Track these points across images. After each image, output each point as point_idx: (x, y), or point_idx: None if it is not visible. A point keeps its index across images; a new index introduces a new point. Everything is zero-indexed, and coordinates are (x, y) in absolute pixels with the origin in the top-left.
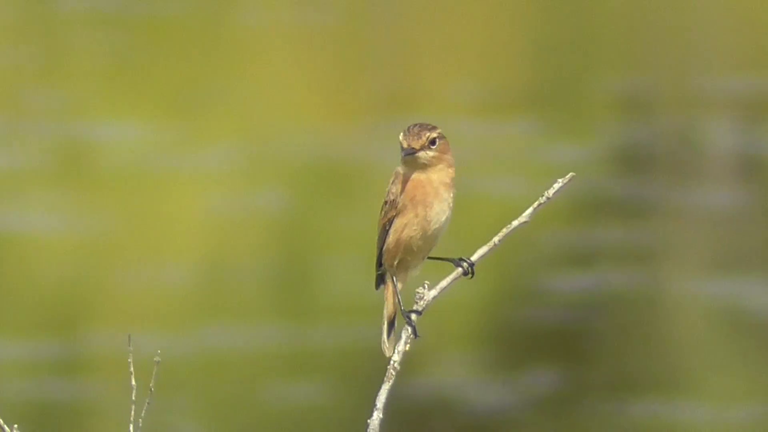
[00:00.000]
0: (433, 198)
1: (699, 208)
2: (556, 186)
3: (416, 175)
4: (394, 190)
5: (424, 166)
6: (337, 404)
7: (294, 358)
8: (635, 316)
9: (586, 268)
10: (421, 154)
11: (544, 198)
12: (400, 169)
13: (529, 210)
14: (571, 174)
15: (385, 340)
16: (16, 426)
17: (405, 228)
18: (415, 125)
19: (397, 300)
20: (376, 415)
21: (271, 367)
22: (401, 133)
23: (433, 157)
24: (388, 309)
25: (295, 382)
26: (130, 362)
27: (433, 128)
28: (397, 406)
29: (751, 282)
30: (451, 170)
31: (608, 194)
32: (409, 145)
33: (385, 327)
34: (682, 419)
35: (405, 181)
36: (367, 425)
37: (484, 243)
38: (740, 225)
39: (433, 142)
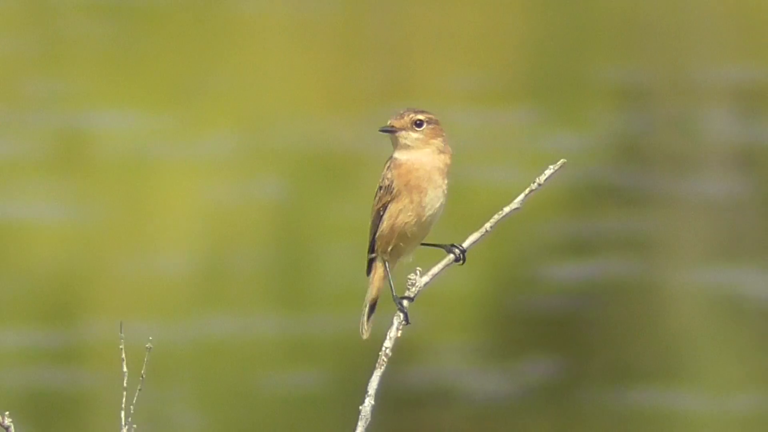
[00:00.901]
0: (427, 183)
1: (697, 197)
2: (548, 172)
3: (408, 160)
4: (389, 176)
5: (407, 148)
6: (333, 392)
7: (290, 347)
8: (633, 304)
9: (585, 257)
10: (402, 134)
11: (535, 184)
12: (395, 155)
13: (521, 197)
14: (562, 160)
15: (365, 323)
16: (7, 413)
17: (400, 214)
18: (407, 108)
19: (389, 286)
20: (368, 402)
21: (267, 355)
22: None
23: (417, 139)
24: (371, 293)
25: (291, 371)
26: (121, 349)
27: (422, 112)
28: (395, 395)
29: (749, 270)
30: (444, 156)
31: (606, 183)
32: (390, 124)
33: (366, 309)
34: (680, 407)
35: (398, 166)
36: (359, 412)
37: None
38: (738, 214)
39: (418, 124)
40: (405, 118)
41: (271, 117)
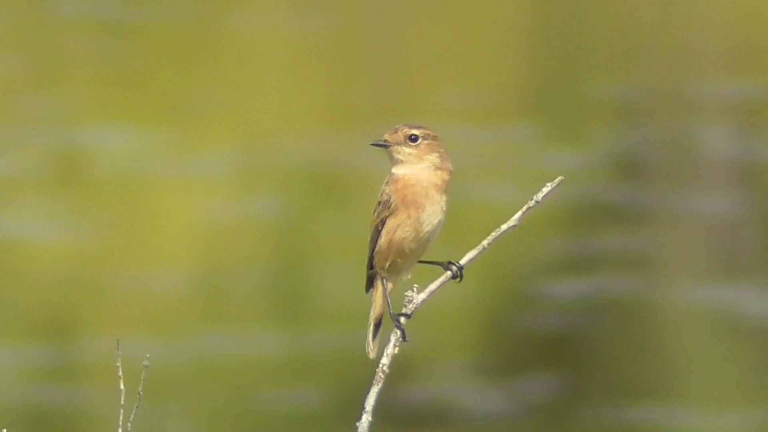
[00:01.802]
0: (424, 199)
1: (695, 214)
2: (545, 190)
3: (405, 175)
4: (387, 191)
5: (402, 163)
6: (331, 410)
7: (288, 364)
8: (632, 322)
9: (583, 274)
10: (395, 148)
11: (533, 202)
12: (392, 170)
13: (518, 214)
14: (559, 178)
15: (370, 342)
16: (5, 430)
17: (397, 229)
18: (404, 123)
19: (386, 303)
20: (365, 418)
21: (265, 373)
22: None
23: (410, 154)
24: (375, 311)
25: (289, 388)
26: (118, 366)
27: (419, 127)
28: (393, 413)
29: (747, 288)
30: (442, 173)
31: (604, 200)
32: (384, 138)
33: (371, 329)
34: (678, 425)
35: (396, 181)
36: (356, 428)
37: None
38: (736, 231)
39: (413, 139)
40: (399, 132)
41: (269, 134)
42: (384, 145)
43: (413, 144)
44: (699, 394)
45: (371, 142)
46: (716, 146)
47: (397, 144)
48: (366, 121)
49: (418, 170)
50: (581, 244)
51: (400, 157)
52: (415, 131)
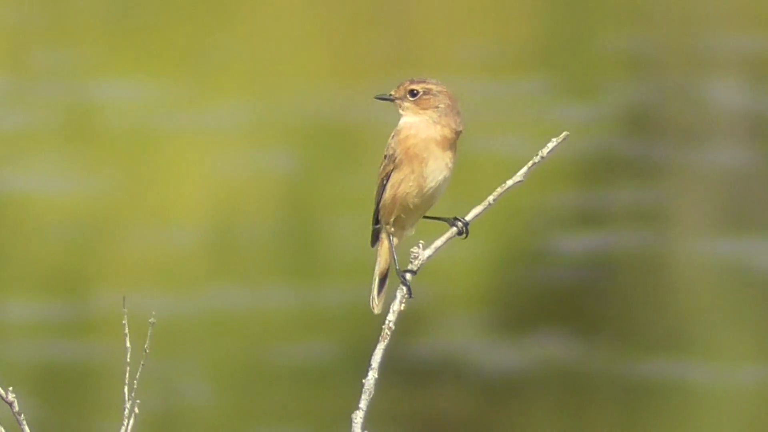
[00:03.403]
0: (426, 153)
1: (707, 167)
2: (550, 145)
3: (405, 128)
4: (393, 144)
5: (402, 117)
6: (342, 364)
7: (300, 319)
8: (644, 276)
9: (595, 229)
10: (397, 102)
11: (538, 157)
12: (399, 123)
13: (524, 169)
14: (565, 133)
15: (375, 297)
16: (11, 389)
17: (401, 183)
18: (410, 79)
19: (392, 258)
20: (371, 375)
21: (277, 327)
22: None
23: (407, 108)
24: (380, 265)
25: (300, 342)
26: (124, 324)
27: (422, 82)
28: (404, 368)
29: (759, 241)
30: (441, 128)
31: (616, 154)
32: (390, 93)
33: (375, 283)
34: (690, 379)
35: (398, 134)
36: (362, 385)
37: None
38: (748, 184)
39: (413, 94)
40: (401, 87)
41: (280, 88)
42: (388, 99)
43: (412, 99)
44: (711, 348)
45: (375, 96)
46: (728, 99)
47: (399, 98)
48: (377, 75)
49: (418, 124)
50: (592, 198)
51: (400, 111)
52: (415, 86)
